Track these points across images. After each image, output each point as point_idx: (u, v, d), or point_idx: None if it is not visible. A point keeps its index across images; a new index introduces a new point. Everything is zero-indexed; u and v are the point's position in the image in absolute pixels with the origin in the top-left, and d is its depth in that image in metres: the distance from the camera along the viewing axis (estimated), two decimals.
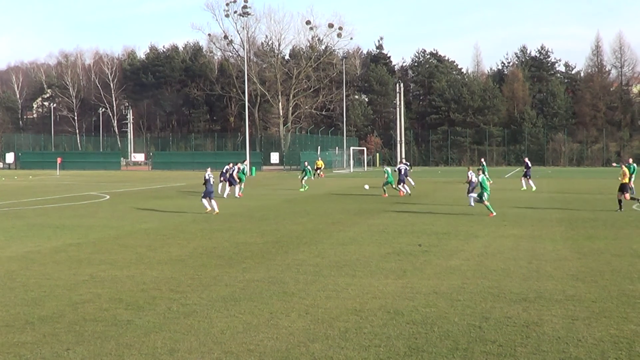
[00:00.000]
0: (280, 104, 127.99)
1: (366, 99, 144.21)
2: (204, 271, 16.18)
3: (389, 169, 44.05)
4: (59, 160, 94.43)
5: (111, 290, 14.05)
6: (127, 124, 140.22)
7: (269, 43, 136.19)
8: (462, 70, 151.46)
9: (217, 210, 31.23)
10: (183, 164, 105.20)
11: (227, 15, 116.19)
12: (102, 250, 19.78)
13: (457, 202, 37.65)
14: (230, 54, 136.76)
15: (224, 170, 42.44)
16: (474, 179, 35.27)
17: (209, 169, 32.88)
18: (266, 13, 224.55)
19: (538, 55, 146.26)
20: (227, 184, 42.31)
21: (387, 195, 42.11)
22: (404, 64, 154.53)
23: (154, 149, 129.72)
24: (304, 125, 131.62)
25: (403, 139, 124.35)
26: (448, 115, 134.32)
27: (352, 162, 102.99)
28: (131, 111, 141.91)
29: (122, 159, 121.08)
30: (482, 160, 62.77)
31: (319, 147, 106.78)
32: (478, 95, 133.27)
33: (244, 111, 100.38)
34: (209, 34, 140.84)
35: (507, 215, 30.02)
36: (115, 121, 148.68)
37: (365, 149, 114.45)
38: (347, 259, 17.85)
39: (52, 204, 37.38)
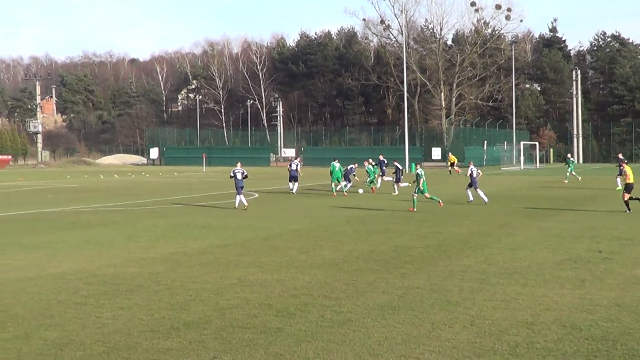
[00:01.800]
0: (442, 94, 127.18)
1: (538, 88, 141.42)
2: (360, 276, 16.25)
3: (336, 163, 45.15)
4: (204, 156, 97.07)
5: (260, 295, 14.30)
6: (276, 117, 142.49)
7: (430, 27, 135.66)
8: None
9: (245, 204, 33.97)
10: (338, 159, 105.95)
11: None
12: (250, 252, 20.17)
13: None
14: (387, 40, 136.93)
15: (349, 168, 46.33)
16: (475, 174, 36.86)
17: (238, 164, 35.59)
18: None
19: None
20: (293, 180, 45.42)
21: (339, 194, 43.74)
22: (582, 49, 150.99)
23: (305, 143, 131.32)
24: (468, 117, 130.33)
25: (580, 132, 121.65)
26: (633, 105, 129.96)
27: (522, 158, 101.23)
28: (281, 103, 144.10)
29: (271, 154, 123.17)
30: (569, 155, 60.99)
31: (485, 142, 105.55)
32: None
33: (403, 102, 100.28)
34: (364, 19, 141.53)
35: None
36: (264, 114, 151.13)
37: (537, 143, 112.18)
38: (517, 266, 17.56)
39: (197, 203, 38.45)
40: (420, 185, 33.18)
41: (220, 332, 11.49)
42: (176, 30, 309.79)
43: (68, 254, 19.99)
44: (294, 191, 44.94)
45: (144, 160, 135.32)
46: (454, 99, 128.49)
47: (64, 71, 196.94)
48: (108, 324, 12.13)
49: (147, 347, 10.76)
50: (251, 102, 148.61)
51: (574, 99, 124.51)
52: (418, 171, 33.76)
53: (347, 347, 10.62)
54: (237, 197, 34.24)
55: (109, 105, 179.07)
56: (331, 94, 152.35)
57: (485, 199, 36.16)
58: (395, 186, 45.44)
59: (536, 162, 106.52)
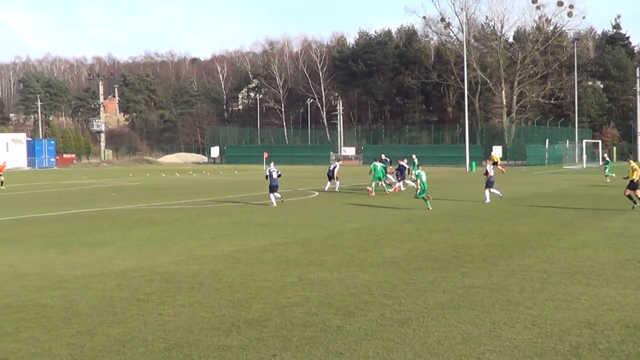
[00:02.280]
0: (503, 92, 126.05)
1: (601, 86, 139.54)
2: (420, 275, 16.21)
3: (378, 164, 44.70)
4: (265, 154, 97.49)
5: (320, 293, 14.34)
6: (336, 115, 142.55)
7: (491, 25, 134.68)
8: None
9: (280, 198, 36.24)
10: (396, 158, 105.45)
11: None
12: (310, 250, 20.23)
13: None
14: (448, 38, 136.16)
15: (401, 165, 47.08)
16: (491, 172, 37.45)
17: (272, 164, 37.85)
18: None
19: None
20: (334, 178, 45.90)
21: (374, 194, 42.62)
22: None
23: (365, 142, 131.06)
24: (529, 115, 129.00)
25: None
26: None
27: (584, 156, 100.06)
28: (341, 102, 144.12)
29: (331, 152, 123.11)
30: (605, 155, 60.13)
31: (547, 140, 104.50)
32: None
33: (463, 101, 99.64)
34: (424, 17, 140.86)
35: None
36: (324, 113, 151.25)
37: (600, 141, 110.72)
38: (580, 265, 17.38)
39: (258, 201, 38.59)
40: (419, 185, 33.77)
41: (281, 330, 11.55)
42: (237, 29, 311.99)
43: (131, 252, 20.23)
44: (326, 189, 45.96)
45: (205, 158, 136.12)
46: (515, 97, 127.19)
47: (126, 71, 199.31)
48: (170, 321, 12.26)
49: (208, 344, 10.86)
50: (311, 100, 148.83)
51: (638, 96, 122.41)
52: (418, 172, 34.58)
53: (407, 346, 10.61)
54: (271, 195, 35.83)
55: (170, 104, 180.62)
56: (391, 92, 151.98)
57: (488, 200, 36.57)
58: (400, 184, 46.34)
59: (599, 161, 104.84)
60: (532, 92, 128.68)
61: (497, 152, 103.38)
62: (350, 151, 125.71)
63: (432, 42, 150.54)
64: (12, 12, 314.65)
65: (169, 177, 70.70)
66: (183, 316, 12.57)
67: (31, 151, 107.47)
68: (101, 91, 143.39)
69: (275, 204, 35.34)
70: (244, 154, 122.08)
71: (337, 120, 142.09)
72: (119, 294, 14.51)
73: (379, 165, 44.27)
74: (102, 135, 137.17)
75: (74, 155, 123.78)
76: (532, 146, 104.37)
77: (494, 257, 18.73)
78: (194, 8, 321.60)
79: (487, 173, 37.46)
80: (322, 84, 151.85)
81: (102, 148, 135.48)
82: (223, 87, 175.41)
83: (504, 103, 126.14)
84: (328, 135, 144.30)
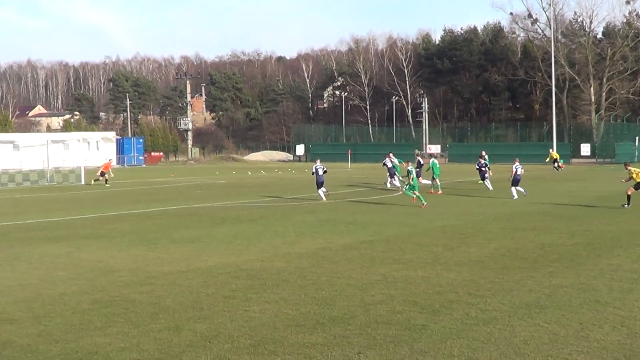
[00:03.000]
0: (591, 88, 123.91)
1: None
2: (506, 274, 16.06)
3: (436, 161, 44.20)
4: (349, 152, 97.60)
5: (405, 291, 14.31)
6: (421, 113, 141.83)
7: (579, 20, 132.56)
8: None
9: (324, 198, 36.83)
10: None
11: None
12: (395, 248, 20.19)
13: None
14: (535, 34, 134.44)
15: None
16: (520, 171, 37.69)
17: (318, 160, 39.58)
18: None
19: None
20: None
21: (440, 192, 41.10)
22: None
23: (450, 139, 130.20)
24: (619, 112, 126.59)
25: None
26: None
27: None
28: (426, 99, 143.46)
29: (416, 150, 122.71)
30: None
31: (637, 138, 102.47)
32: None
33: (551, 98, 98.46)
34: (511, 13, 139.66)
35: None
36: (409, 110, 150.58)
37: None
38: None
39: (343, 199, 38.67)
40: (411, 181, 34.12)
41: (365, 328, 11.56)
42: (322, 28, 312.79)
43: (217, 249, 20.46)
44: (387, 185, 46.41)
45: (290, 156, 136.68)
46: (604, 94, 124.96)
47: (213, 70, 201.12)
48: (255, 317, 12.37)
49: (293, 341, 10.92)
50: (396, 98, 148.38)
51: None
52: (409, 168, 35.21)
53: (492, 346, 10.53)
54: (320, 191, 37.33)
55: (256, 102, 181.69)
56: (477, 90, 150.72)
57: (515, 196, 36.75)
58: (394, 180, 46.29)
59: None
60: (622, 88, 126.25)
61: (585, 150, 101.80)
62: (435, 149, 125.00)
63: (519, 39, 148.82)
64: (103, 13, 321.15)
65: (255, 175, 71.25)
66: (268, 313, 12.67)
67: (120, 149, 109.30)
68: (188, 90, 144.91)
69: (325, 199, 36.74)
70: (329, 152, 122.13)
71: (422, 118, 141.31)
72: (205, 290, 14.70)
73: (437, 162, 43.96)
74: (189, 134, 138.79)
75: (161, 153, 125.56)
76: (621, 144, 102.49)
77: (581, 257, 18.46)
78: (280, 7, 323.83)
79: (515, 172, 37.61)
80: (407, 82, 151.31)
81: (189, 146, 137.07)
82: (308, 85, 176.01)
83: (593, 100, 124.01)
84: (413, 133, 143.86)
